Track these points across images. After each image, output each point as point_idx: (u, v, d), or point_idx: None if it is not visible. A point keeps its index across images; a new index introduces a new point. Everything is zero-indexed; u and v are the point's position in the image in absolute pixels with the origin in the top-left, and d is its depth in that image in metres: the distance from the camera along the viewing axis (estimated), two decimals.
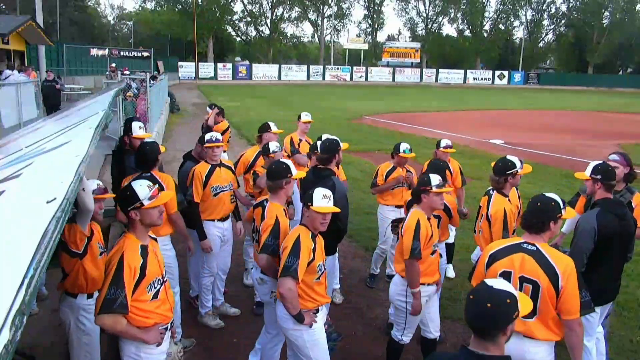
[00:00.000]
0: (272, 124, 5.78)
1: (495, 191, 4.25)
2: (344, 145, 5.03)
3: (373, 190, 5.82)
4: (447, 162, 5.54)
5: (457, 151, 12.92)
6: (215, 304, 5.09)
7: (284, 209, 3.77)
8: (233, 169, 5.16)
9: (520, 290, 2.88)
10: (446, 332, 4.91)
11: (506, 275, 2.94)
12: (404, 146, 5.55)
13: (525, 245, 2.95)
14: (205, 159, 4.92)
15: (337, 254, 5.53)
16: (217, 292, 5.12)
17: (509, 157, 4.30)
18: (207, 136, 4.83)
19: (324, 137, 5.47)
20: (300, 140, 6.35)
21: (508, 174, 4.15)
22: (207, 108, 8.77)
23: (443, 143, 5.80)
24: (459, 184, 5.89)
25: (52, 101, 14.61)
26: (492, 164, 4.34)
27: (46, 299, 5.02)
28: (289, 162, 3.87)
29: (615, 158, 4.21)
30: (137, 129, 4.80)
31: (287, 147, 6.23)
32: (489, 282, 2.16)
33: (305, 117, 6.46)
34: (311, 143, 6.30)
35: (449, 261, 6.03)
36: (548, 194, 3.07)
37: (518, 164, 4.18)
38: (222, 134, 8.46)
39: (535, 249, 2.91)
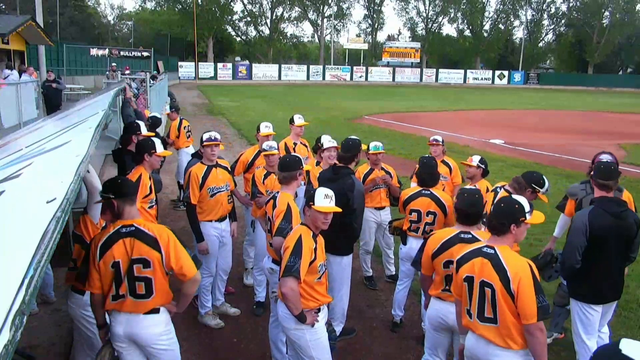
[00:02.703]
0: (262, 125, 5.76)
1: (502, 189, 4.29)
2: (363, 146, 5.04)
3: None
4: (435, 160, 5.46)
5: (457, 151, 13.02)
6: (215, 304, 5.09)
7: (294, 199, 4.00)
8: (229, 169, 5.14)
9: (483, 295, 2.88)
10: None
11: (469, 280, 2.94)
12: (373, 144, 5.53)
13: (485, 249, 2.92)
14: (201, 160, 4.94)
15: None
16: (217, 292, 5.11)
17: (543, 178, 4.19)
18: (205, 135, 4.84)
19: (323, 137, 5.46)
20: (295, 144, 6.23)
21: (533, 189, 4.09)
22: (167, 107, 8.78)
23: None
24: (459, 181, 5.89)
25: (53, 102, 14.54)
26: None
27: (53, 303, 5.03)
28: (300, 155, 4.13)
29: (609, 158, 4.27)
30: (144, 129, 4.87)
31: (282, 152, 6.16)
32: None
33: (299, 120, 6.27)
34: (307, 145, 6.31)
35: None
36: (515, 196, 3.03)
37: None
38: (178, 129, 8.48)
39: (493, 252, 2.88)
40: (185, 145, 8.66)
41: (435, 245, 3.46)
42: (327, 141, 5.17)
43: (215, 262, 4.98)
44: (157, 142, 4.44)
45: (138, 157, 4.39)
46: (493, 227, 2.94)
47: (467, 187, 3.81)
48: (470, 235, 3.35)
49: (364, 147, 4.94)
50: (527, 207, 2.90)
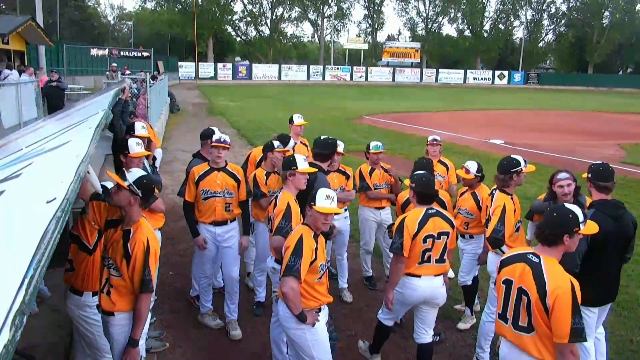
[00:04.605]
0: (276, 143, 5.70)
1: (498, 190, 4.29)
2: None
3: (369, 194, 5.57)
4: (431, 160, 5.38)
5: (457, 151, 13.03)
6: (229, 321, 4.90)
7: (295, 199, 3.97)
8: (238, 177, 4.77)
9: (519, 302, 2.82)
10: (446, 332, 4.91)
11: (508, 284, 2.91)
12: (373, 143, 5.57)
13: (530, 256, 2.85)
14: (208, 159, 4.88)
15: (345, 254, 5.61)
16: (226, 310, 4.89)
17: (513, 156, 4.36)
18: (216, 135, 4.71)
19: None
20: (295, 143, 6.20)
21: (513, 172, 4.21)
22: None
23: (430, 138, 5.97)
24: (454, 180, 5.90)
25: (55, 102, 14.39)
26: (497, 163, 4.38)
27: (48, 299, 5.01)
28: (298, 156, 4.06)
29: (566, 175, 4.12)
30: (140, 129, 4.79)
31: None
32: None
33: (298, 119, 6.26)
34: (307, 144, 6.29)
35: None
36: (568, 205, 2.89)
37: (522, 163, 4.24)
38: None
39: (537, 261, 2.80)
40: (158, 145, 8.70)
41: (414, 226, 3.78)
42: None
43: (209, 265, 4.88)
44: (132, 143, 4.22)
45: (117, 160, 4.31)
46: (544, 238, 2.82)
47: (420, 172, 4.12)
48: (434, 210, 3.87)
49: (344, 145, 5.03)
50: (581, 217, 2.79)
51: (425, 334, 4.02)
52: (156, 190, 4.50)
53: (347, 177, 5.40)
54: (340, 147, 5.24)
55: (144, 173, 3.22)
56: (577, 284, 2.70)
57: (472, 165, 4.92)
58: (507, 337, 2.92)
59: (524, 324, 2.81)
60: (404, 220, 3.83)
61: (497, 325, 3.03)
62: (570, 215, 2.78)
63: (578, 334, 2.64)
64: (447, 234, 3.84)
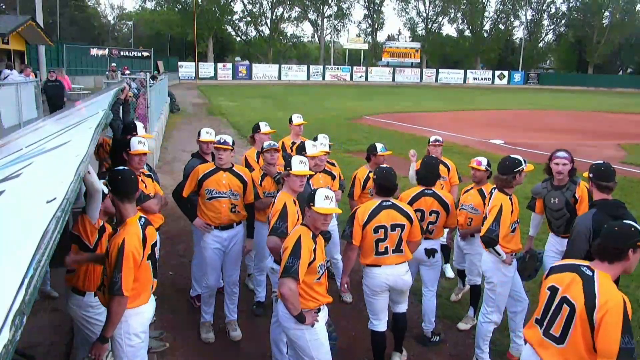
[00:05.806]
0: (262, 124, 5.71)
1: (497, 190, 4.27)
2: (318, 152, 4.88)
3: (353, 202, 5.39)
4: (438, 159, 5.37)
5: (457, 151, 13.02)
6: (228, 320, 4.90)
7: (294, 200, 3.96)
8: (245, 178, 4.68)
9: (559, 310, 2.70)
10: (446, 332, 4.91)
11: (553, 291, 2.78)
12: (380, 145, 5.41)
13: (584, 268, 2.70)
14: (207, 160, 4.88)
15: (339, 255, 5.58)
16: (226, 310, 4.87)
17: (513, 156, 4.36)
18: (217, 137, 4.69)
19: (320, 136, 5.45)
20: (294, 143, 6.15)
21: (516, 172, 4.19)
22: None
23: (432, 138, 5.89)
24: (456, 181, 5.88)
25: (54, 101, 14.35)
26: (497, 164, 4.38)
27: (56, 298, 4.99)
28: (296, 157, 4.05)
29: (564, 155, 4.42)
30: (141, 129, 4.79)
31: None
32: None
33: (297, 119, 6.24)
34: None
35: (446, 261, 6.04)
36: (625, 221, 2.78)
37: (523, 162, 4.26)
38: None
39: (591, 275, 2.64)
40: None
41: (365, 216, 3.95)
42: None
43: (215, 275, 4.75)
44: (134, 141, 4.19)
45: (119, 159, 4.26)
46: (607, 253, 2.66)
47: (383, 165, 4.32)
48: (390, 202, 4.00)
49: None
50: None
51: (397, 305, 4.28)
52: (157, 190, 4.49)
53: (333, 177, 5.37)
54: (316, 149, 4.91)
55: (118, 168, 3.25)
56: (629, 303, 2.55)
57: (483, 160, 4.98)
58: (533, 343, 2.81)
59: (556, 333, 2.69)
60: (357, 210, 4.05)
61: (528, 329, 2.91)
62: (633, 229, 2.66)
63: (627, 354, 2.43)
64: (401, 226, 3.97)
